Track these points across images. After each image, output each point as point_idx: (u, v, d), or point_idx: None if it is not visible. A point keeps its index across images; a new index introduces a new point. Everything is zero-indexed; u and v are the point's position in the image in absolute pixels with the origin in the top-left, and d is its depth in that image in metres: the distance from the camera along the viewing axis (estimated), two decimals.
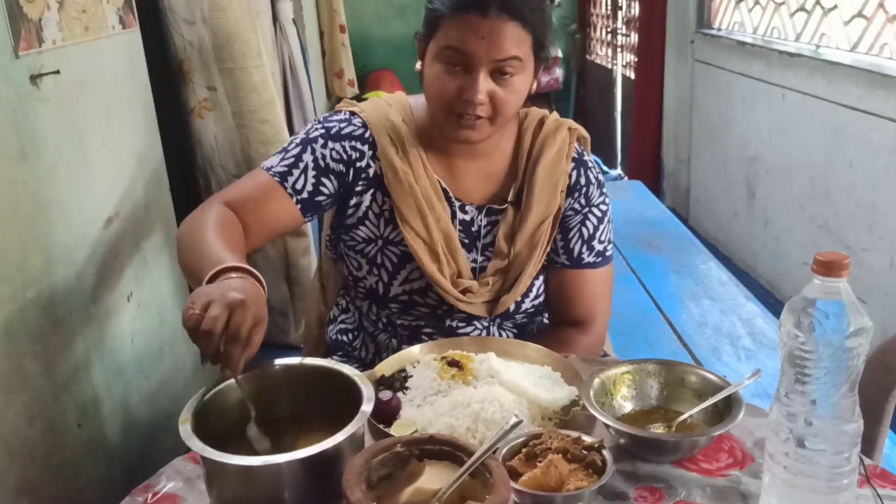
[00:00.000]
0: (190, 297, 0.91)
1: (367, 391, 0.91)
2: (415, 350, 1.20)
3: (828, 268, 0.75)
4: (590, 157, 1.41)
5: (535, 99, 1.32)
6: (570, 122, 1.40)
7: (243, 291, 0.91)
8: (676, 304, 2.50)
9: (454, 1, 1.19)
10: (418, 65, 1.28)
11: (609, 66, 6.03)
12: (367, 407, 0.88)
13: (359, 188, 1.32)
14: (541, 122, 1.38)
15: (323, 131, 1.31)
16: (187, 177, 2.59)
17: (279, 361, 0.98)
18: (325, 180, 1.29)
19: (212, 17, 2.33)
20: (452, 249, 1.32)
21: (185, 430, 0.84)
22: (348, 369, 0.96)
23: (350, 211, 1.33)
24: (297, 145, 1.31)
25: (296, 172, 1.28)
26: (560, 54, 6.48)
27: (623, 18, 5.68)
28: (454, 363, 1.12)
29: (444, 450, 0.83)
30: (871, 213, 2.75)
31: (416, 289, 1.33)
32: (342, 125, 1.32)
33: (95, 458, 1.49)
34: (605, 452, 0.91)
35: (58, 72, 1.43)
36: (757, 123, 3.66)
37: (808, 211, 3.21)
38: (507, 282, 1.35)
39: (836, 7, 3.15)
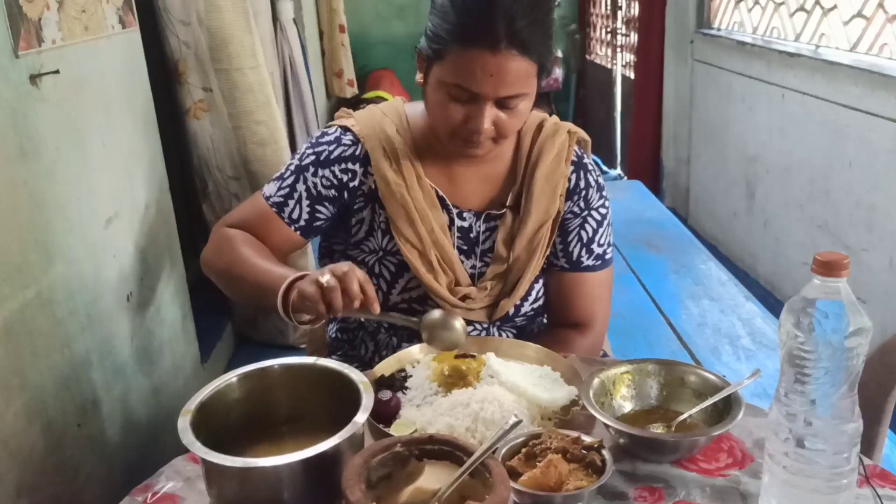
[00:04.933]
0: (299, 288, 1.08)
1: (367, 392, 0.91)
2: (414, 350, 1.20)
3: (827, 268, 0.75)
4: (590, 160, 1.40)
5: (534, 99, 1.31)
6: (570, 125, 1.39)
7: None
8: (676, 304, 2.50)
9: (462, 35, 1.15)
10: (419, 77, 1.26)
11: (608, 66, 6.03)
12: (366, 407, 0.88)
13: (357, 206, 1.33)
14: (539, 126, 1.37)
15: (313, 157, 1.33)
16: (184, 178, 2.59)
17: (279, 361, 0.99)
18: (319, 207, 1.33)
19: (207, 18, 2.31)
20: (447, 259, 1.32)
21: (184, 425, 0.84)
22: (348, 369, 0.96)
23: (355, 229, 1.34)
24: (291, 173, 1.33)
25: (291, 203, 1.32)
26: (560, 54, 6.48)
27: (623, 18, 5.68)
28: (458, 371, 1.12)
29: (444, 450, 0.84)
30: (870, 213, 2.75)
31: (416, 297, 1.33)
32: (331, 148, 1.33)
33: (95, 458, 1.49)
34: (605, 452, 0.91)
35: (57, 72, 1.43)
36: (756, 123, 3.66)
37: (807, 211, 3.21)
38: (506, 286, 1.34)
39: (835, 7, 3.15)
